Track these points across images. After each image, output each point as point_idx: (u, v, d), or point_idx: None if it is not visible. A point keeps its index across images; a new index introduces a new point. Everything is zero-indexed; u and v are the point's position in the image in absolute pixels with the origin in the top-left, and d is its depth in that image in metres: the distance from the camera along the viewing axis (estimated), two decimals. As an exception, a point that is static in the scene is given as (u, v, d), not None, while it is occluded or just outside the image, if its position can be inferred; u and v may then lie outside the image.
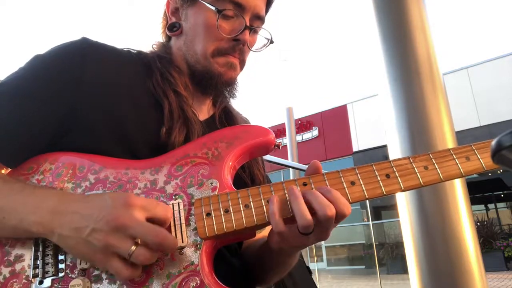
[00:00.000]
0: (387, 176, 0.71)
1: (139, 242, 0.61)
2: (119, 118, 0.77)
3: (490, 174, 12.09)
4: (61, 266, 0.67)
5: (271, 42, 0.97)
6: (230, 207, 0.69)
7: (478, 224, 11.76)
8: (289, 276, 1.30)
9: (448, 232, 1.69)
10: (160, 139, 0.78)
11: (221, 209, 0.69)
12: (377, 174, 0.71)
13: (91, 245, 0.61)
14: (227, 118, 0.98)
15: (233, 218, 0.68)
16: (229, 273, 0.81)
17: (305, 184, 0.71)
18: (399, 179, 0.70)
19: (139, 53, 0.92)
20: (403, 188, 0.70)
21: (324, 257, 15.26)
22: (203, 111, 0.96)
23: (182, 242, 0.66)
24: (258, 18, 0.91)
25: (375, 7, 2.04)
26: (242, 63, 0.93)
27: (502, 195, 14.98)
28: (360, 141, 15.21)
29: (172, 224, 0.67)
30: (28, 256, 0.68)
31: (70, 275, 0.66)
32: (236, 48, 0.88)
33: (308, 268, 1.46)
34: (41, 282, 0.65)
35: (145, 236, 0.61)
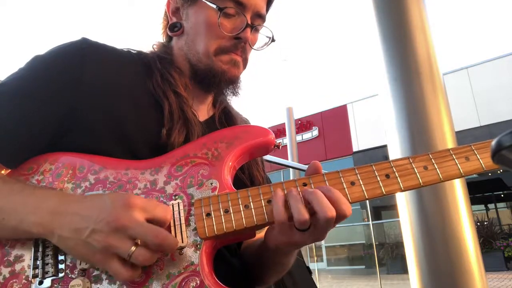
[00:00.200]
0: (387, 176, 0.71)
1: (139, 242, 0.61)
2: (119, 118, 0.77)
3: (490, 174, 12.09)
4: (61, 266, 0.67)
5: (273, 40, 0.97)
6: (230, 207, 0.69)
7: (478, 224, 11.77)
8: (289, 276, 1.30)
9: (448, 232, 1.69)
10: (160, 139, 0.78)
11: (221, 210, 0.69)
12: (377, 174, 0.71)
13: (91, 246, 0.61)
14: (227, 118, 0.98)
15: (233, 219, 0.68)
16: (229, 273, 0.81)
17: (305, 184, 0.71)
18: (398, 179, 0.70)
19: (139, 53, 0.92)
20: (402, 188, 0.70)
21: (324, 257, 15.26)
22: (203, 112, 0.96)
23: (182, 242, 0.66)
24: (259, 17, 0.91)
25: (375, 7, 2.05)
26: (245, 61, 0.93)
27: (502, 195, 14.99)
28: (360, 141, 15.21)
29: (172, 224, 0.67)
30: (28, 256, 0.68)
31: (70, 275, 0.66)
32: (238, 46, 0.88)
33: (308, 268, 1.46)
34: (41, 283, 0.65)
35: (145, 237, 0.61)
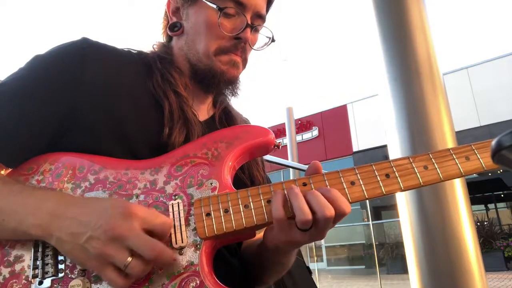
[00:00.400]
0: (387, 176, 0.71)
1: (135, 254, 0.61)
2: (119, 118, 0.77)
3: (490, 174, 12.09)
4: (61, 266, 0.67)
5: (273, 40, 0.97)
6: (230, 207, 0.69)
7: (478, 224, 11.77)
8: (289, 276, 1.30)
9: (448, 232, 1.69)
10: (160, 139, 0.78)
11: (221, 210, 0.69)
12: (377, 174, 0.71)
13: (87, 252, 0.61)
14: (227, 118, 0.98)
15: (232, 219, 0.68)
16: (229, 273, 0.81)
17: (305, 184, 0.70)
18: (399, 179, 0.70)
19: (140, 53, 0.92)
20: (403, 188, 0.70)
21: (324, 257, 15.26)
22: (203, 112, 0.96)
23: (182, 242, 0.66)
24: (259, 17, 0.91)
25: (375, 7, 2.04)
26: (245, 62, 0.93)
27: (502, 195, 14.98)
28: (360, 141, 15.21)
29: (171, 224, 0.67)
30: (27, 256, 0.68)
31: (69, 276, 0.66)
32: (238, 46, 0.88)
33: (308, 268, 1.46)
34: (40, 283, 0.65)
35: (141, 249, 0.60)
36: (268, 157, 2.14)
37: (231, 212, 0.68)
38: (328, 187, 0.70)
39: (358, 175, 0.71)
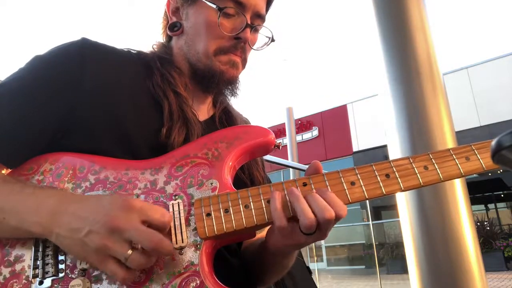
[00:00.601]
0: (387, 176, 0.71)
1: (136, 246, 0.61)
2: (119, 118, 0.77)
3: (490, 174, 12.09)
4: (61, 266, 0.67)
5: (272, 40, 0.97)
6: (230, 207, 0.69)
7: (478, 224, 11.76)
8: (289, 276, 1.30)
9: (448, 232, 1.69)
10: (160, 139, 0.78)
11: (221, 210, 0.69)
12: (377, 174, 0.71)
13: (87, 246, 0.61)
14: (227, 118, 0.98)
15: (233, 219, 0.68)
16: (229, 273, 0.81)
17: (305, 184, 0.70)
18: (399, 179, 0.70)
19: (139, 53, 0.92)
20: (403, 188, 0.70)
21: (324, 257, 15.26)
22: (203, 112, 0.96)
23: (182, 242, 0.66)
24: (259, 17, 0.91)
25: (375, 7, 2.04)
26: (244, 62, 0.93)
27: (502, 195, 14.99)
28: (360, 141, 15.21)
29: (172, 224, 0.67)
30: (28, 256, 0.68)
31: (70, 276, 0.66)
32: (238, 46, 0.89)
33: (308, 268, 1.46)
34: (41, 283, 0.65)
35: (140, 240, 0.61)
36: (268, 157, 2.14)
37: (232, 212, 0.69)
38: (328, 187, 0.70)
39: (358, 175, 0.71)
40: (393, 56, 1.94)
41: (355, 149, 15.36)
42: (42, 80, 0.77)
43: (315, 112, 17.12)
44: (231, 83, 0.92)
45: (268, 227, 0.74)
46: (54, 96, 0.76)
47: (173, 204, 0.70)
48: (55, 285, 0.65)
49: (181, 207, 0.70)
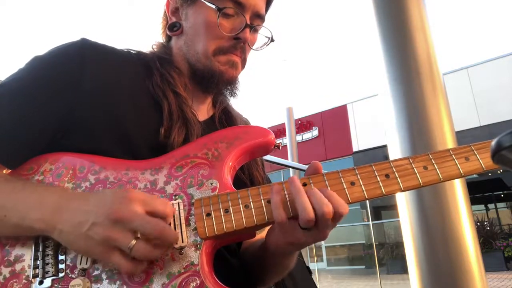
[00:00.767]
0: (387, 176, 0.71)
1: (139, 236, 0.61)
2: (119, 118, 0.77)
3: (490, 174, 12.09)
4: (61, 266, 0.67)
5: (272, 40, 0.97)
6: (230, 207, 0.69)
7: (478, 224, 11.76)
8: (289, 276, 1.30)
9: (448, 232, 1.69)
10: (160, 140, 0.78)
11: (221, 210, 0.69)
12: (376, 174, 0.71)
13: (92, 240, 0.61)
14: (227, 119, 0.98)
15: (233, 219, 0.68)
16: (229, 273, 0.81)
17: (305, 184, 0.71)
18: (398, 180, 0.70)
19: (139, 53, 0.92)
20: (402, 189, 0.70)
21: (324, 257, 15.26)
22: (203, 112, 0.96)
23: (182, 242, 0.66)
24: (258, 17, 0.91)
25: (375, 7, 2.05)
26: (244, 62, 0.93)
27: (502, 195, 14.99)
28: (360, 141, 15.21)
29: (172, 224, 0.67)
30: (28, 256, 0.68)
31: (70, 275, 0.66)
32: (238, 47, 0.89)
33: (308, 268, 1.46)
34: (41, 282, 0.65)
35: (144, 228, 0.61)
36: (268, 157, 2.14)
37: (232, 212, 0.69)
38: (328, 187, 0.70)
39: (358, 175, 0.71)
40: (393, 56, 1.94)
41: (355, 149, 15.36)
42: (42, 81, 0.77)
43: (315, 112, 17.13)
44: (231, 83, 0.92)
45: (268, 227, 0.74)
46: (54, 96, 0.76)
47: (173, 204, 0.70)
48: (55, 285, 0.65)
49: (181, 207, 0.70)
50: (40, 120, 0.75)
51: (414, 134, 1.82)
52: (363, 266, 13.97)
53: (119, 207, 0.61)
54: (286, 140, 8.06)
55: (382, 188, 0.70)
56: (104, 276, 0.65)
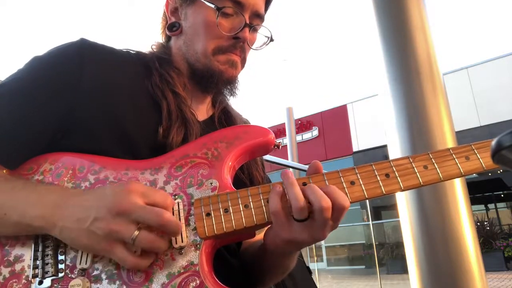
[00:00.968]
0: (387, 175, 0.71)
1: (142, 227, 0.62)
2: (118, 119, 0.77)
3: (490, 174, 12.09)
4: (61, 266, 0.67)
5: (271, 40, 0.97)
6: (230, 207, 0.69)
7: (478, 224, 11.76)
8: (289, 277, 1.30)
9: (448, 232, 1.69)
10: (159, 139, 0.78)
11: (221, 209, 0.69)
12: (376, 174, 0.71)
13: (94, 235, 0.62)
14: (226, 118, 0.98)
15: (232, 218, 0.68)
16: (228, 273, 0.81)
17: (304, 184, 0.70)
18: (398, 179, 0.70)
19: (138, 53, 0.93)
20: (402, 188, 0.70)
21: (324, 257, 15.26)
22: (202, 112, 0.96)
23: (182, 242, 0.66)
24: (258, 17, 0.91)
25: (375, 7, 2.05)
26: (243, 61, 0.93)
27: (502, 195, 14.99)
28: (360, 141, 15.21)
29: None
30: (27, 256, 0.68)
31: (69, 275, 0.66)
32: (237, 46, 0.89)
33: (308, 268, 1.46)
34: (40, 282, 0.65)
35: (147, 218, 0.61)
36: (268, 157, 2.14)
37: (231, 212, 0.68)
38: (327, 183, 0.70)
39: (358, 174, 0.71)
40: (393, 56, 1.94)
41: (355, 149, 15.37)
42: (42, 81, 0.77)
43: (315, 112, 17.13)
44: (230, 82, 0.92)
45: (267, 227, 0.74)
46: (54, 97, 0.76)
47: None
48: (55, 285, 0.65)
49: (181, 206, 0.70)
50: (40, 120, 0.75)
51: (414, 134, 1.82)
52: (363, 266, 13.97)
53: (119, 199, 0.62)
54: (286, 140, 8.06)
55: (382, 187, 0.70)
56: (103, 276, 0.65)
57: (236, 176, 0.83)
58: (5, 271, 0.67)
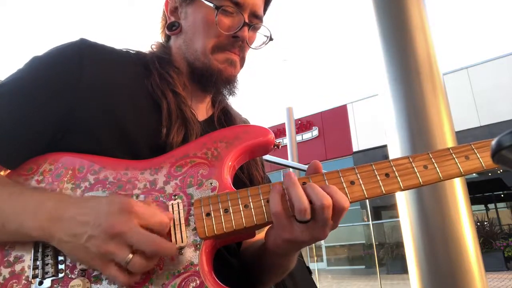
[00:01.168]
0: (387, 175, 0.71)
1: (136, 251, 0.61)
2: (118, 119, 0.77)
3: (490, 174, 12.10)
4: (61, 266, 0.66)
5: (271, 39, 0.97)
6: (230, 207, 0.69)
7: (478, 224, 11.76)
8: (290, 277, 1.30)
9: (448, 232, 1.69)
10: (159, 139, 0.78)
11: (221, 209, 0.69)
12: (376, 173, 0.71)
13: (89, 251, 0.61)
14: (226, 118, 0.98)
15: (232, 218, 0.68)
16: (228, 273, 0.80)
17: (304, 183, 0.70)
18: (398, 179, 0.70)
19: (138, 53, 0.93)
20: (402, 188, 0.70)
21: (324, 257, 15.26)
22: (202, 111, 0.96)
23: (182, 242, 0.66)
24: (256, 17, 0.91)
25: (375, 7, 2.05)
26: (242, 60, 0.93)
27: (502, 195, 14.99)
28: (360, 141, 15.21)
29: (171, 224, 0.67)
30: (27, 257, 0.68)
31: (69, 276, 0.66)
32: (236, 45, 0.89)
33: (308, 268, 1.46)
34: (41, 283, 0.65)
35: (140, 245, 0.60)
36: (268, 157, 2.14)
37: (231, 212, 0.68)
38: (327, 183, 0.70)
39: (358, 174, 0.71)
40: (393, 56, 1.94)
41: (355, 149, 15.36)
42: (41, 81, 0.76)
43: (315, 112, 17.13)
44: (230, 82, 0.92)
45: (268, 227, 0.74)
46: (54, 97, 0.76)
47: (172, 204, 0.70)
48: (55, 285, 0.65)
49: (181, 207, 0.70)
50: (39, 120, 0.75)
51: (414, 134, 1.82)
52: (363, 266, 13.96)
53: (115, 221, 0.61)
54: (286, 140, 8.07)
55: (382, 187, 0.70)
56: (103, 276, 0.65)
57: (236, 176, 0.83)
58: (5, 272, 0.67)
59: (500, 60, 12.78)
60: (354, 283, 11.92)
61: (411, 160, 0.72)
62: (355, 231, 14.70)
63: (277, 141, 0.82)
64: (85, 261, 0.64)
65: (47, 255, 0.67)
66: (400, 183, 0.70)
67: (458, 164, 0.71)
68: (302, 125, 16.83)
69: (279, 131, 14.22)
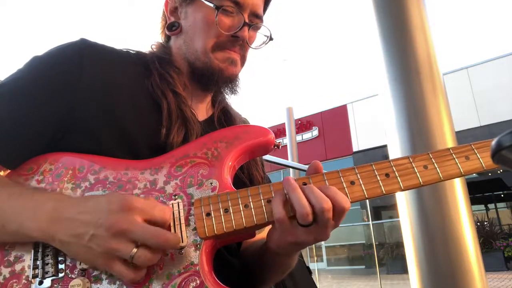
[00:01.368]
0: (387, 175, 0.71)
1: (140, 245, 0.61)
2: (119, 119, 0.77)
3: (490, 174, 12.09)
4: (61, 266, 0.67)
5: (271, 39, 0.97)
6: (230, 207, 0.69)
7: (478, 224, 11.76)
8: (290, 277, 1.30)
9: (448, 232, 1.69)
10: (159, 139, 0.78)
11: (221, 209, 0.69)
12: (376, 173, 0.71)
13: (93, 250, 0.61)
14: (226, 118, 0.98)
15: (232, 218, 0.68)
16: (229, 273, 0.80)
17: (304, 184, 0.70)
18: (398, 179, 0.70)
19: (138, 53, 0.93)
20: (402, 188, 0.70)
21: (324, 257, 15.26)
22: (202, 111, 0.96)
23: (182, 242, 0.66)
24: (256, 17, 0.91)
25: (375, 7, 2.05)
26: (243, 59, 0.94)
27: (502, 195, 14.99)
28: (360, 141, 15.21)
29: (172, 224, 0.67)
30: (28, 256, 0.68)
31: (70, 275, 0.66)
32: (236, 44, 0.89)
33: (308, 268, 1.46)
34: (41, 283, 0.65)
35: (145, 239, 0.61)
36: (268, 157, 2.15)
37: (231, 212, 0.68)
38: (327, 184, 0.70)
39: (358, 174, 0.71)
40: (393, 56, 1.94)
41: (355, 149, 15.36)
42: (41, 81, 0.76)
43: (315, 112, 17.13)
44: (231, 81, 0.92)
45: (268, 228, 0.74)
46: (54, 97, 0.76)
47: (172, 204, 0.70)
48: (55, 285, 0.65)
49: (181, 207, 0.70)
50: (40, 120, 0.75)
51: (414, 134, 1.82)
52: (363, 266, 13.96)
53: (118, 218, 0.61)
54: (286, 140, 8.06)
55: (382, 187, 0.70)
56: (103, 276, 0.65)
57: (236, 176, 0.83)
58: (5, 271, 0.67)
59: (500, 60, 12.78)
60: (354, 283, 11.92)
61: (411, 160, 0.72)
62: (355, 231, 14.70)
63: (277, 141, 0.82)
64: (88, 261, 0.64)
65: (47, 255, 0.67)
66: (400, 183, 0.70)
67: (458, 164, 0.71)
68: (302, 125, 16.83)
69: (279, 131, 14.21)
